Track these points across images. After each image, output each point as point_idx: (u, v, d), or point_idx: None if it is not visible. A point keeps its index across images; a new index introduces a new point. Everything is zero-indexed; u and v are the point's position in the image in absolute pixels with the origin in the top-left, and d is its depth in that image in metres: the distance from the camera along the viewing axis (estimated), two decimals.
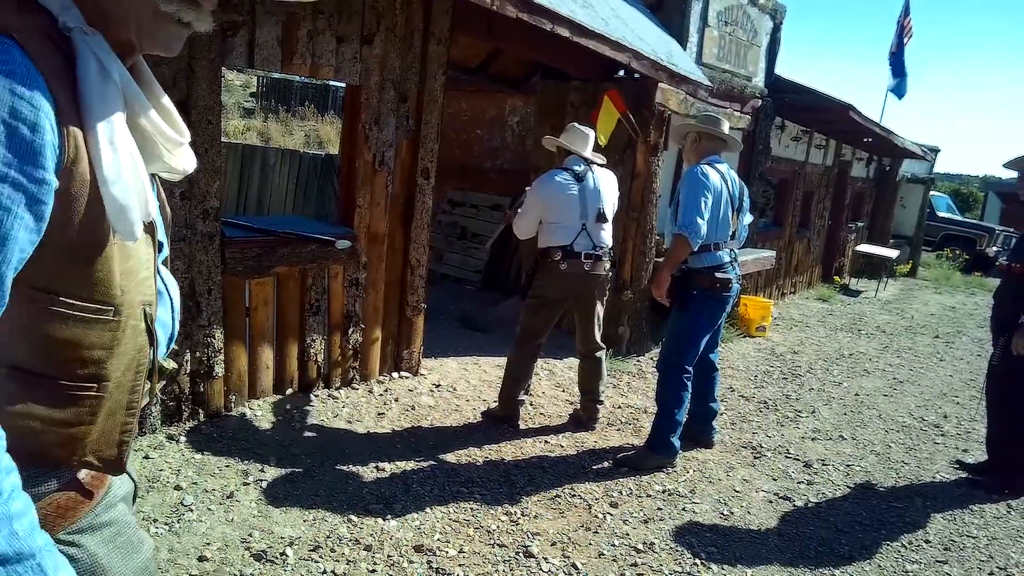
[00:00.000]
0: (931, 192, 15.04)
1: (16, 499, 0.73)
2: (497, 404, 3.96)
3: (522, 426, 3.92)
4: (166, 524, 2.55)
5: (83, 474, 0.92)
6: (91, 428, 0.90)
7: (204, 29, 0.92)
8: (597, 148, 4.08)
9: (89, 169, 0.82)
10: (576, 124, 3.89)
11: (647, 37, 5.42)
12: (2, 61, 0.74)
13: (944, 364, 6.77)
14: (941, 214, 16.70)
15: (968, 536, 3.28)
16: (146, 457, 2.97)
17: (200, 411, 3.35)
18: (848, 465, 3.97)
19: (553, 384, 4.73)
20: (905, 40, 12.11)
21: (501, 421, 3.90)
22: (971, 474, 3.99)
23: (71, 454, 0.88)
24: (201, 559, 2.39)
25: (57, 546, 0.81)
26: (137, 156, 0.89)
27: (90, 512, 0.93)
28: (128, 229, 0.86)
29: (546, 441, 3.81)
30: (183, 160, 0.99)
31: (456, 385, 4.43)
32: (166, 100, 0.99)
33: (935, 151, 15.07)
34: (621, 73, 5.92)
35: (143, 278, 0.94)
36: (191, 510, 2.66)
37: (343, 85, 3.88)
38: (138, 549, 1.01)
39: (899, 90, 12.48)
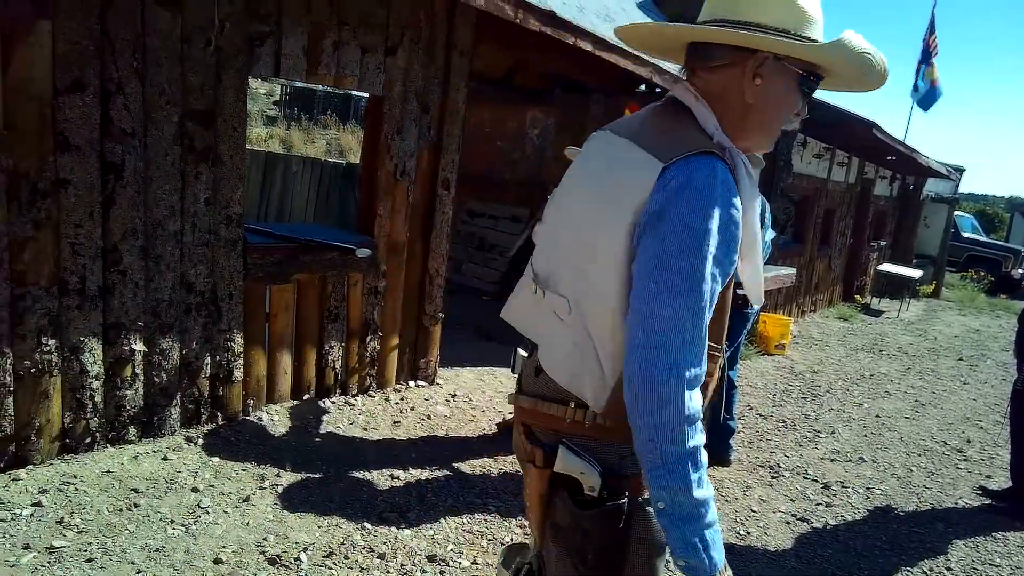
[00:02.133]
0: (956, 212, 14.84)
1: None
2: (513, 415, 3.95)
3: None
4: (183, 525, 2.57)
5: None
6: None
7: (792, 127, 1.30)
8: None
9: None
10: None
11: None
12: (726, 179, 1.07)
13: (968, 387, 6.65)
14: (966, 234, 16.46)
15: (991, 564, 3.20)
16: (164, 458, 2.99)
17: (218, 414, 3.38)
18: (868, 488, 3.91)
19: None
20: (932, 56, 12.00)
21: None
22: (994, 500, 3.90)
23: None
24: (217, 561, 2.40)
25: (644, 501, 1.21)
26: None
27: None
28: (759, 294, 1.27)
29: None
30: None
31: (472, 395, 4.42)
32: None
33: (960, 171, 14.90)
34: (642, 87, 5.94)
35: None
36: (208, 512, 2.67)
37: (366, 95, 3.92)
38: None
39: (929, 98, 12.26)
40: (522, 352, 1.41)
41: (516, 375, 1.39)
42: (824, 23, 1.19)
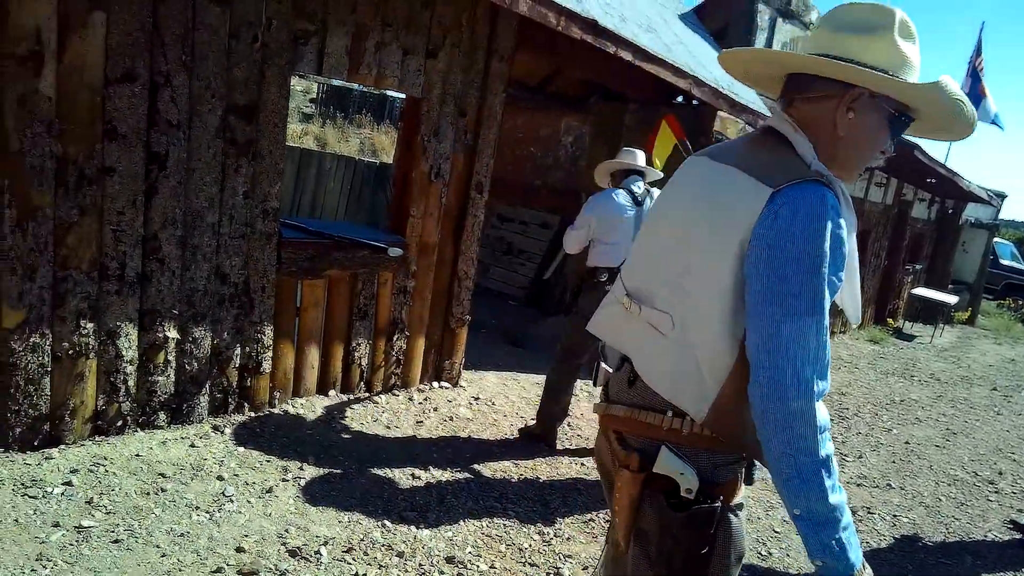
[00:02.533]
0: (995, 238, 14.49)
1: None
2: (535, 422, 3.94)
3: (558, 447, 3.89)
4: (207, 512, 2.60)
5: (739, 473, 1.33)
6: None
7: (877, 164, 1.33)
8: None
9: None
10: (626, 147, 3.92)
11: (709, 64, 5.40)
12: (834, 204, 1.14)
13: (1001, 418, 6.47)
14: (1005, 262, 16.06)
15: None
16: (192, 445, 3.04)
17: (245, 405, 3.43)
18: (895, 515, 3.82)
19: (592, 407, 4.69)
20: (981, 76, 11.74)
21: (538, 439, 3.88)
22: None
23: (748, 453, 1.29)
24: (239, 550, 2.43)
25: (729, 508, 1.26)
26: None
27: (740, 494, 1.32)
28: (858, 313, 1.30)
29: (582, 463, 3.77)
30: None
31: (495, 399, 4.42)
32: None
33: (1001, 196, 14.54)
34: (679, 99, 5.90)
35: None
36: (232, 501, 2.71)
37: (401, 96, 3.96)
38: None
39: (996, 116, 11.98)
40: (605, 366, 1.46)
41: (599, 386, 1.46)
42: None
